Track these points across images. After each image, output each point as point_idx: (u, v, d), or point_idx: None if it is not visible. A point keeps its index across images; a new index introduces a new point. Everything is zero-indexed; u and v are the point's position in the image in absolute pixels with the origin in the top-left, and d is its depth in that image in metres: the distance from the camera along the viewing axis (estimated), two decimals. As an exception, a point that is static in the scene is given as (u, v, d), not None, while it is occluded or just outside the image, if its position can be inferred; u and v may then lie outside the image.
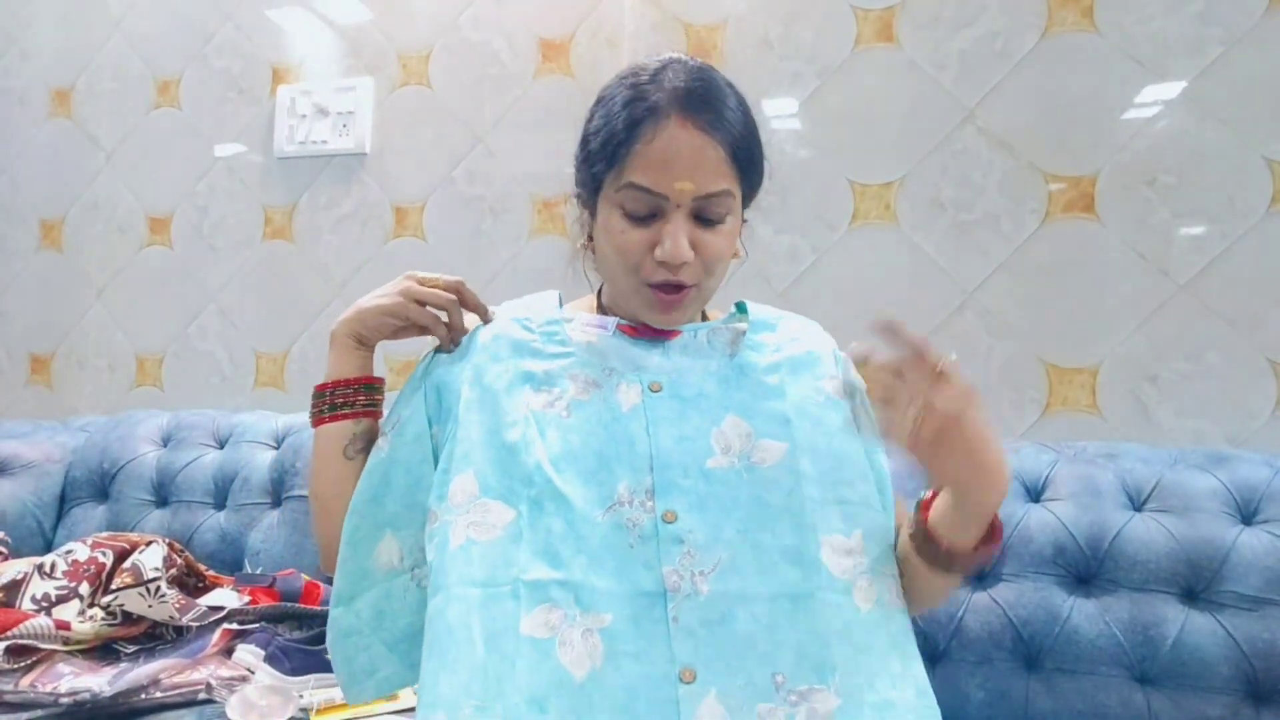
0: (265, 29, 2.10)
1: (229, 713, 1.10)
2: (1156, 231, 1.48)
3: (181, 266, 2.15)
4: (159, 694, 1.16)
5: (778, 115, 1.71)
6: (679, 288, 0.82)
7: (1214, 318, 1.44)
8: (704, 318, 0.94)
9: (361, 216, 1.99)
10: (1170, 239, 1.47)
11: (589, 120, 0.85)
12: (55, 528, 1.72)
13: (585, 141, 0.85)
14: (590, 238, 0.89)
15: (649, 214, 0.80)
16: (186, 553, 1.40)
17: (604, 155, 0.81)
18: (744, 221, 0.88)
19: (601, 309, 0.91)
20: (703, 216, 0.80)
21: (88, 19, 2.25)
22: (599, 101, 0.85)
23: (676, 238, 0.78)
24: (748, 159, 0.82)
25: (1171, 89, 1.48)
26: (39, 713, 1.09)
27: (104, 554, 1.33)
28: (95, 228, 2.24)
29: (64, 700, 1.09)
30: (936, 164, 1.61)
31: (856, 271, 1.65)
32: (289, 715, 1.11)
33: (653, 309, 0.83)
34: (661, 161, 0.78)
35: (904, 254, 1.62)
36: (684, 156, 0.78)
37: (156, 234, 2.18)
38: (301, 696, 1.16)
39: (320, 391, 0.87)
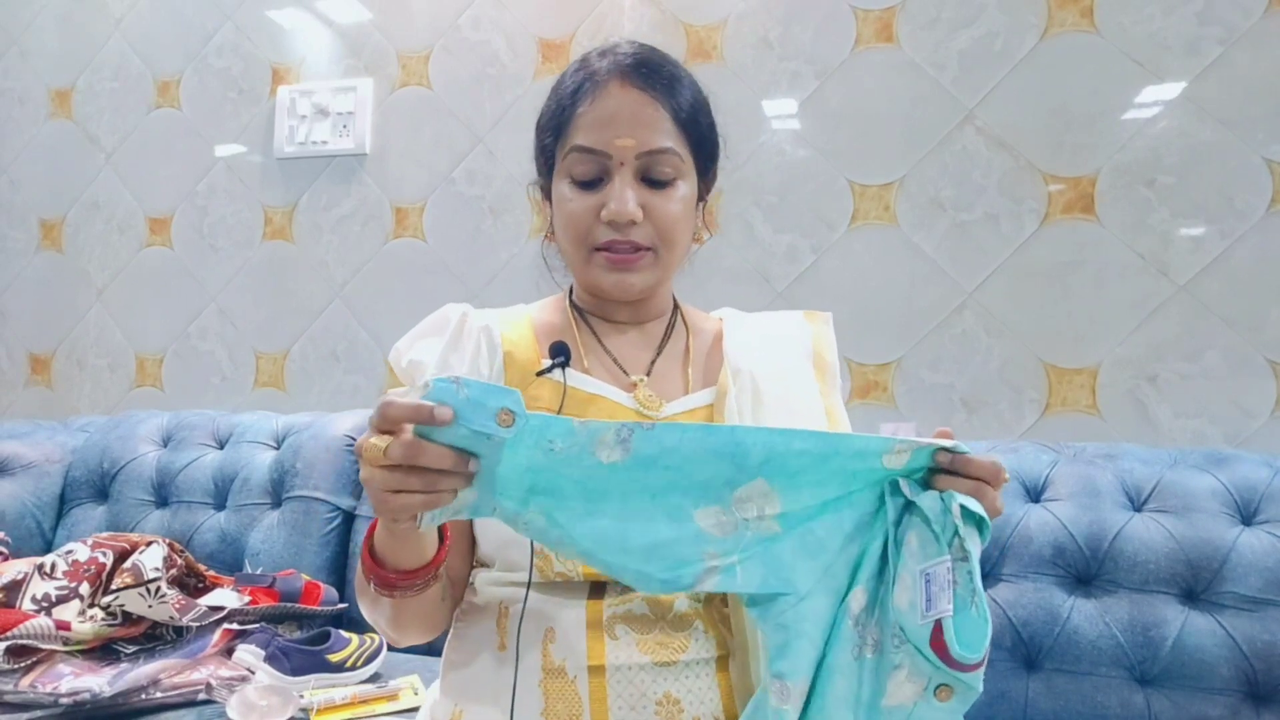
0: (265, 29, 2.10)
1: (229, 713, 1.10)
2: (1156, 232, 1.48)
3: (181, 266, 2.15)
4: (159, 694, 1.16)
5: (777, 115, 1.71)
6: (632, 249, 0.79)
7: (1213, 318, 1.44)
8: (681, 319, 0.90)
9: (361, 217, 1.99)
10: (1169, 239, 1.47)
11: (542, 109, 0.86)
12: (55, 528, 1.72)
13: (538, 125, 0.86)
14: (553, 229, 0.87)
15: (595, 178, 0.80)
16: (186, 553, 1.39)
17: (551, 127, 0.83)
18: (704, 202, 0.87)
19: (572, 306, 0.89)
20: (650, 178, 0.79)
21: (88, 19, 2.26)
22: (551, 91, 0.86)
23: (621, 194, 0.77)
24: (693, 122, 0.81)
25: (1171, 89, 1.48)
26: (39, 713, 1.09)
27: (104, 554, 1.32)
28: (95, 228, 2.24)
29: (64, 700, 1.09)
30: (936, 164, 1.61)
31: (856, 272, 1.65)
32: (289, 715, 1.11)
33: (606, 271, 0.81)
34: (603, 121, 0.78)
35: (904, 254, 1.62)
36: (625, 114, 0.78)
37: (156, 234, 2.18)
38: (301, 696, 1.16)
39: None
